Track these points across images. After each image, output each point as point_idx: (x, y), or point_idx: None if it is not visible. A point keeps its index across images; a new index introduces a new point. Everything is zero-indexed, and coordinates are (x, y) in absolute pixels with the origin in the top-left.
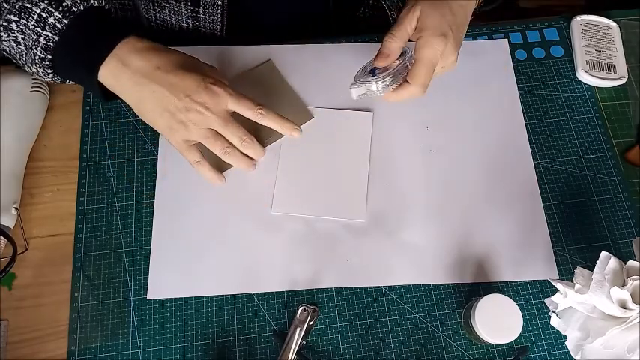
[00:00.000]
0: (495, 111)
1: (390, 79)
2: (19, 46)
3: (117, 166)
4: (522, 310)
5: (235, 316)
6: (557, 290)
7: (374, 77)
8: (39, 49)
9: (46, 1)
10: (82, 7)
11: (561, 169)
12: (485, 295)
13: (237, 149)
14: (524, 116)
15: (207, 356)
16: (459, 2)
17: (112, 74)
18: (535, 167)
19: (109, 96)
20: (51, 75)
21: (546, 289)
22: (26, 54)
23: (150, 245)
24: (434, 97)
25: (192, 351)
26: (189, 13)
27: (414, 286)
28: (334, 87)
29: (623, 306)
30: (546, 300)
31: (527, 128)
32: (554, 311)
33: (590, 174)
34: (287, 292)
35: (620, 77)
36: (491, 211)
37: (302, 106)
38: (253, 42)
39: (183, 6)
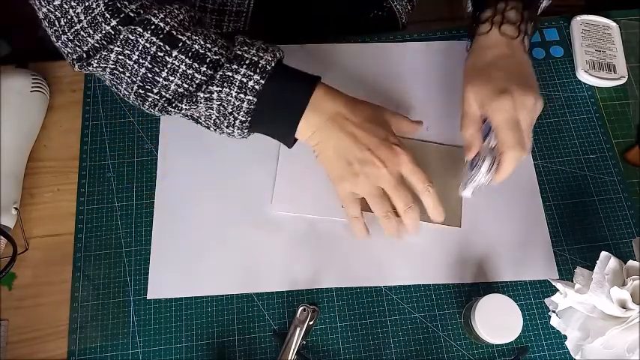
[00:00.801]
0: None
1: (489, 161)
2: (210, 111)
3: (117, 166)
4: (522, 310)
5: (235, 316)
6: (557, 290)
7: (475, 169)
8: (241, 113)
9: (244, 67)
10: (274, 64)
11: (561, 169)
12: (485, 295)
13: (395, 216)
14: None
15: (207, 356)
16: (502, 54)
17: (308, 124)
18: (535, 167)
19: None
20: (245, 134)
21: (546, 289)
22: (217, 117)
23: (150, 245)
24: (434, 97)
25: (192, 351)
26: (214, 22)
27: (414, 286)
28: (337, 87)
29: (623, 306)
30: (546, 300)
31: None
32: (554, 311)
33: (590, 174)
34: (287, 292)
35: (620, 77)
36: (491, 210)
37: (457, 210)
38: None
39: (208, 16)
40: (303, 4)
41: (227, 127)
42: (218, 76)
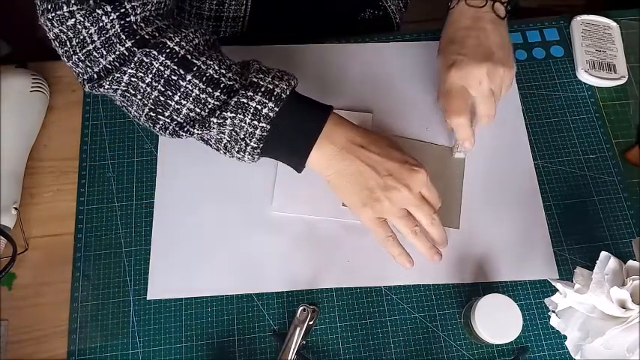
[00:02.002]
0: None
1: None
2: (222, 135)
3: (117, 166)
4: (522, 310)
5: (235, 316)
6: (557, 290)
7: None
8: (254, 139)
9: (259, 94)
10: (288, 92)
11: (561, 169)
12: (485, 295)
13: (422, 231)
14: (524, 116)
15: (207, 356)
16: (467, 25)
17: (320, 153)
18: (535, 167)
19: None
20: (255, 158)
21: (546, 289)
22: (227, 142)
23: (150, 245)
24: (432, 97)
25: (192, 351)
26: (210, 29)
27: (414, 286)
28: (334, 87)
29: (623, 306)
30: (546, 300)
31: (527, 128)
32: (554, 311)
33: (590, 174)
34: (287, 292)
35: (620, 77)
36: (491, 210)
37: (456, 212)
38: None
39: (205, 22)
40: (299, 6)
41: (238, 152)
42: (233, 103)
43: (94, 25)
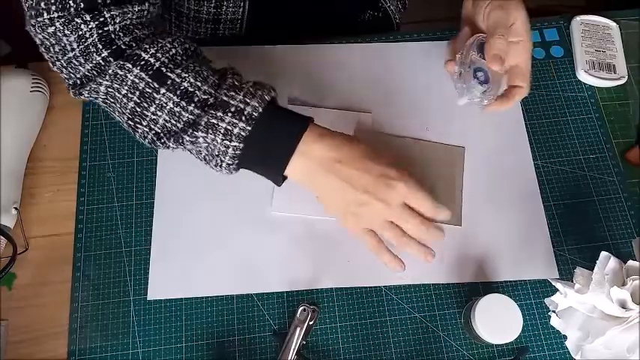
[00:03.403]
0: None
1: (483, 76)
2: (198, 147)
3: (117, 166)
4: (522, 310)
5: (235, 316)
6: (557, 290)
7: (472, 80)
8: (227, 157)
9: (229, 114)
10: (261, 110)
11: (561, 169)
12: (485, 295)
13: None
14: (524, 116)
15: (207, 356)
16: None
17: (297, 169)
18: (535, 167)
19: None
20: (234, 172)
21: (546, 289)
22: (206, 155)
23: (150, 245)
24: (433, 97)
25: (192, 351)
26: (209, 31)
27: (414, 286)
28: (334, 87)
29: (623, 306)
30: (546, 300)
31: (527, 128)
32: (554, 311)
33: (590, 174)
34: (287, 292)
35: (620, 77)
36: (491, 210)
37: (458, 210)
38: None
39: (203, 25)
40: (298, 6)
41: (215, 166)
42: (203, 123)
43: (74, 33)
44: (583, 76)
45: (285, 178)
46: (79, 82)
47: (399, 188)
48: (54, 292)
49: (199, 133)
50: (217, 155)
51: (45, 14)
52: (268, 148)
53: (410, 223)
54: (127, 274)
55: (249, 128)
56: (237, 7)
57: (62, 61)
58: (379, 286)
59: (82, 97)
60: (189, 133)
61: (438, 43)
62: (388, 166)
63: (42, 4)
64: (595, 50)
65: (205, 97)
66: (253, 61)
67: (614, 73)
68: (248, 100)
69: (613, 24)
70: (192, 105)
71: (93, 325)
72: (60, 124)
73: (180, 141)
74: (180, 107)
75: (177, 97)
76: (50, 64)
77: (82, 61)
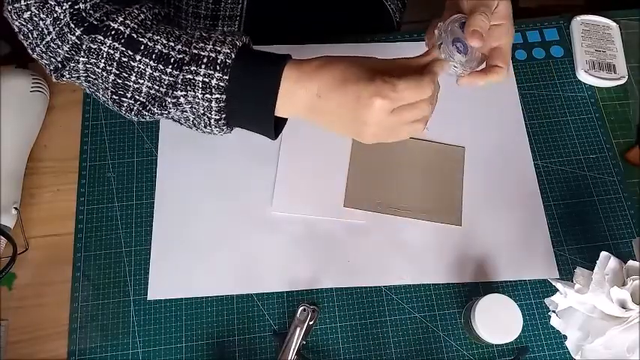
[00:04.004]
0: (495, 111)
1: (463, 49)
2: (185, 113)
3: (117, 166)
4: (522, 310)
5: (235, 316)
6: (557, 290)
7: (450, 48)
8: (213, 112)
9: (203, 66)
10: (234, 56)
11: (561, 169)
12: (485, 295)
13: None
14: (524, 116)
15: (207, 356)
16: None
17: (284, 113)
18: (535, 167)
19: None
20: (225, 130)
21: (546, 289)
22: (194, 119)
23: (150, 245)
24: None
25: (192, 351)
26: (208, 27)
27: (414, 286)
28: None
29: (623, 306)
30: (546, 300)
31: (527, 128)
32: (554, 311)
33: (590, 174)
34: (287, 292)
35: (620, 77)
36: (491, 210)
37: (458, 209)
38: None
39: (202, 21)
40: (298, 5)
41: (205, 127)
42: (180, 81)
43: (49, 16)
44: (583, 76)
45: (278, 132)
46: (60, 65)
47: (383, 106)
48: (54, 292)
49: (179, 92)
50: (203, 114)
51: (21, 0)
52: (251, 95)
53: (417, 109)
54: (127, 274)
55: (227, 77)
56: (236, 3)
57: (41, 47)
58: (379, 286)
59: (64, 79)
60: (170, 94)
61: None
62: (373, 77)
63: None
64: (595, 50)
65: (180, 56)
66: None
67: (614, 73)
68: (218, 48)
69: (613, 24)
70: (170, 67)
71: (93, 325)
72: (60, 124)
73: (164, 105)
74: (159, 71)
75: (154, 62)
76: (30, 51)
77: (60, 43)
